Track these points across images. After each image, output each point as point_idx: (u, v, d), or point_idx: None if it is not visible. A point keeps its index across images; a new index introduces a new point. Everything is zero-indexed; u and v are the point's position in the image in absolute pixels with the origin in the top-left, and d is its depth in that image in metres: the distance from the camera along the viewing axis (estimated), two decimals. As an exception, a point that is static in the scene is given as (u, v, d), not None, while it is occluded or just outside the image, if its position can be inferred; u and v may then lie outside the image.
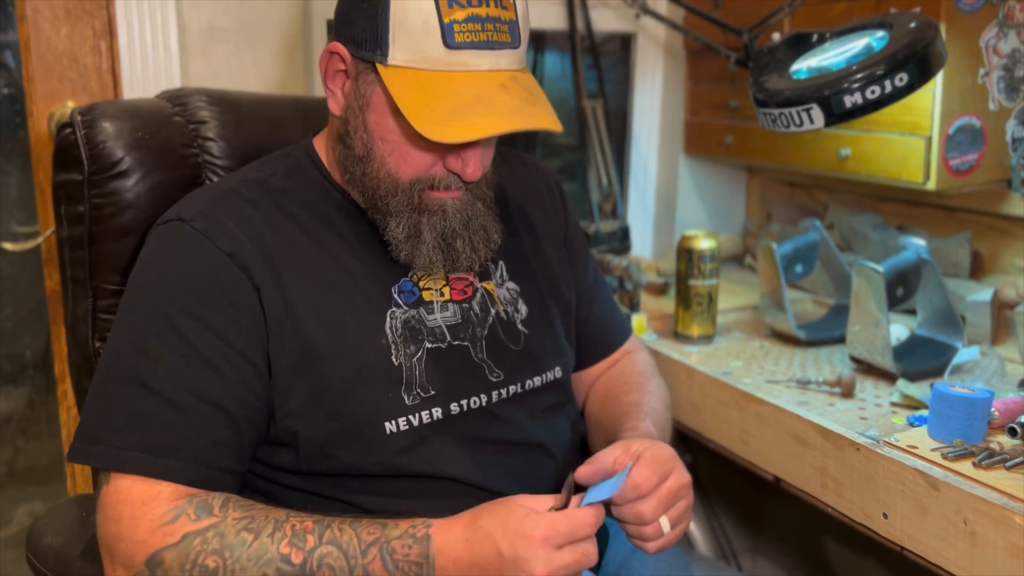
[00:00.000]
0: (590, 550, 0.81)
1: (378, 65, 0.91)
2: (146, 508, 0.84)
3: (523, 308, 1.08)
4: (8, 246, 1.58)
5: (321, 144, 1.04)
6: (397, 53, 0.89)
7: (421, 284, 1.01)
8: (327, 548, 0.82)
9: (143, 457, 0.85)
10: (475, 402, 1.00)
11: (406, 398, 0.95)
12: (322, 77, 0.98)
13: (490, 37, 0.89)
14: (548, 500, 0.83)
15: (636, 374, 1.19)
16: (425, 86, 0.88)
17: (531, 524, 0.80)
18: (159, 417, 0.86)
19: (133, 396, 0.87)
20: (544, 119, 0.89)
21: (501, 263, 1.08)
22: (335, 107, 0.98)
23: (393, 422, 0.94)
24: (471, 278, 1.05)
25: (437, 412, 0.97)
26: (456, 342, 1.01)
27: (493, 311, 1.05)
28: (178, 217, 0.94)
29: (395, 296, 0.99)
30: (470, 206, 0.97)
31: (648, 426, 1.02)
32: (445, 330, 1.00)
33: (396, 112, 0.91)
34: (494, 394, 1.02)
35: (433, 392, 0.97)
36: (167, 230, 0.95)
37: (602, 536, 1.16)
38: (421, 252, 0.96)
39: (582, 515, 0.81)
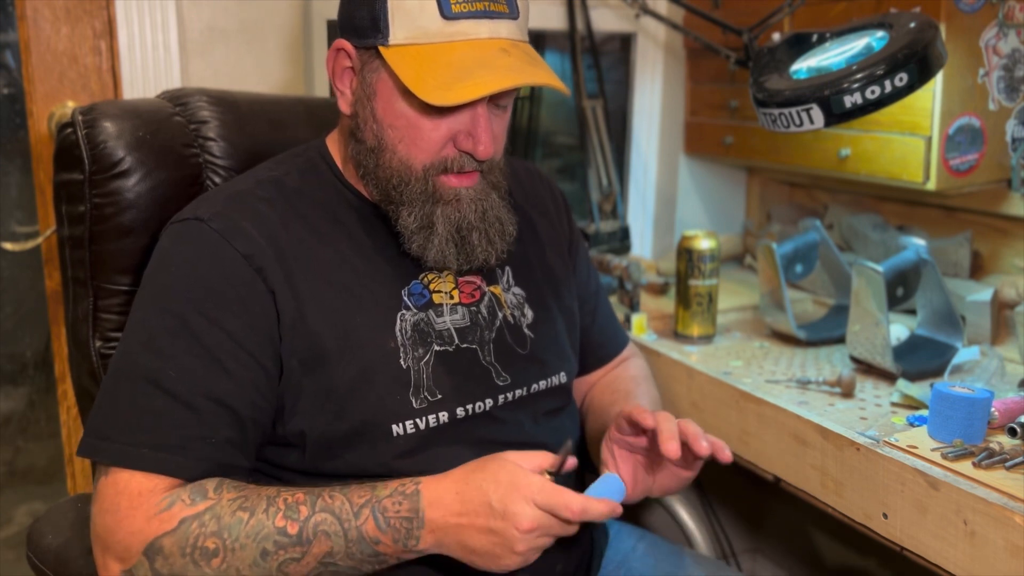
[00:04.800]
0: (560, 528, 0.84)
1: (380, 48, 0.91)
2: (143, 498, 0.85)
3: (529, 313, 1.08)
4: (8, 246, 1.58)
5: (333, 144, 1.04)
6: (397, 32, 0.90)
7: (431, 287, 1.01)
8: (321, 515, 0.84)
9: (152, 454, 0.86)
10: (480, 406, 1.00)
11: (413, 401, 0.95)
12: (331, 77, 0.98)
13: (487, 7, 0.90)
14: (537, 457, 0.86)
15: (627, 379, 1.20)
16: (426, 58, 0.89)
17: (522, 478, 0.83)
18: (169, 415, 0.87)
19: (144, 394, 0.87)
20: (548, 77, 0.89)
21: (508, 268, 1.08)
22: (345, 106, 0.98)
23: (400, 424, 0.94)
24: (479, 281, 1.05)
25: (443, 416, 0.97)
26: (464, 345, 1.01)
27: (500, 315, 1.05)
28: (195, 216, 0.94)
29: (405, 299, 0.99)
30: (486, 196, 0.97)
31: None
32: (453, 333, 1.00)
33: (402, 94, 0.91)
34: (500, 398, 1.02)
35: (440, 396, 0.97)
36: (184, 229, 0.94)
37: (602, 536, 1.16)
38: (433, 244, 0.95)
39: (570, 497, 0.82)
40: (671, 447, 0.87)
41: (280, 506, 0.84)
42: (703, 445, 0.88)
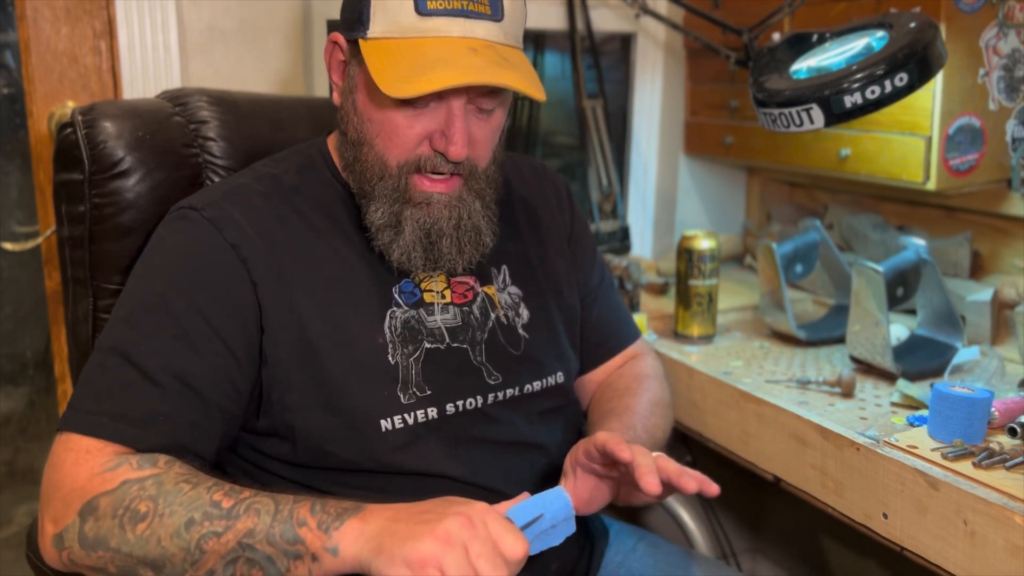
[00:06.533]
0: (487, 555, 0.74)
1: (360, 41, 0.92)
2: (90, 456, 0.84)
3: (525, 313, 1.08)
4: (8, 246, 1.58)
5: (333, 142, 1.05)
6: (376, 26, 0.91)
7: (422, 286, 1.01)
8: (260, 497, 0.81)
9: (110, 423, 0.85)
10: (471, 403, 1.00)
11: (402, 397, 0.96)
12: (327, 70, 1.00)
13: (464, 5, 0.90)
14: None
15: (630, 377, 1.19)
16: (394, 52, 0.89)
17: (470, 505, 0.78)
18: (134, 388, 0.87)
19: (114, 367, 0.88)
20: (514, 80, 0.88)
21: (504, 267, 1.08)
22: (336, 98, 0.99)
23: (389, 420, 0.95)
24: (472, 282, 1.05)
25: (432, 412, 0.97)
26: (455, 344, 1.01)
27: (493, 315, 1.05)
28: (189, 206, 0.96)
29: (396, 296, 0.99)
30: (463, 204, 0.97)
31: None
32: (444, 332, 1.01)
33: (378, 88, 0.91)
34: (491, 396, 1.02)
35: (429, 392, 0.97)
36: (177, 217, 0.97)
37: (601, 536, 1.16)
38: (399, 245, 0.95)
39: (522, 538, 0.76)
40: (651, 481, 0.82)
41: (225, 487, 0.82)
42: (690, 482, 0.84)
